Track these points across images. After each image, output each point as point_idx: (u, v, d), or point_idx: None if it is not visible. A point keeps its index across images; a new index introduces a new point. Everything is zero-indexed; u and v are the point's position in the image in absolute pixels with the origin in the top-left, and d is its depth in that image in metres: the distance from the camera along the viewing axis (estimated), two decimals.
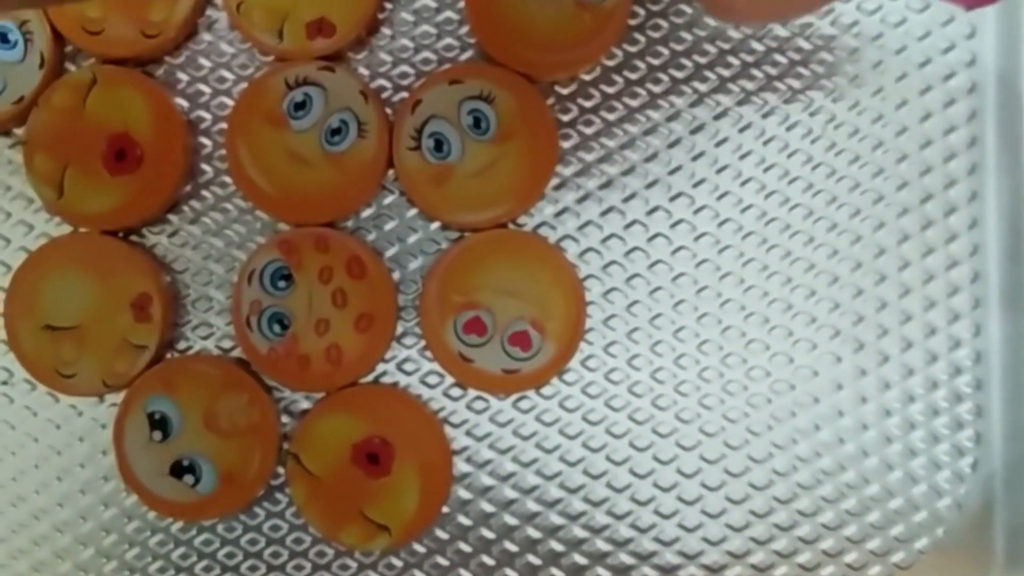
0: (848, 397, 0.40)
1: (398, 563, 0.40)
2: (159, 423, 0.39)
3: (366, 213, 0.40)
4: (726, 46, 0.40)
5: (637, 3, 0.40)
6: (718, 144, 0.40)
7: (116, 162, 0.39)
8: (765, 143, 0.40)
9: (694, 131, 0.40)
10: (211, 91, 0.40)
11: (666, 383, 0.40)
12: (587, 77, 0.40)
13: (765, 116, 0.40)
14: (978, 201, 0.39)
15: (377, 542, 0.39)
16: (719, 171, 0.40)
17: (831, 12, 0.39)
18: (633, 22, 0.40)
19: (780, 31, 0.40)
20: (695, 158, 0.40)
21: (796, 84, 0.40)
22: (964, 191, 0.39)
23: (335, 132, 0.39)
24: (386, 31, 0.40)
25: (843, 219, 0.40)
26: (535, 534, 0.40)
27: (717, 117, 0.40)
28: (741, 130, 0.40)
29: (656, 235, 0.40)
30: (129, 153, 0.39)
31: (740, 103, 0.40)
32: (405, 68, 0.40)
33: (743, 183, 0.40)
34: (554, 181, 0.40)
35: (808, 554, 0.40)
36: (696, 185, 0.40)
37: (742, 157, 0.40)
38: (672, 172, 0.40)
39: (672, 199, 0.40)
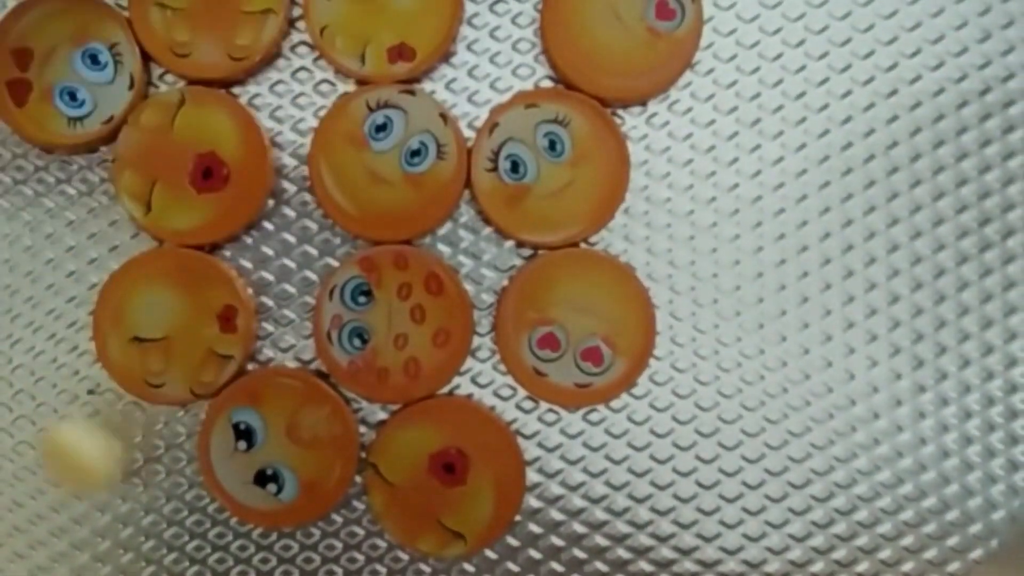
0: (907, 413, 0.41)
1: (470, 568, 0.42)
2: (244, 433, 0.40)
3: (443, 231, 0.42)
4: (793, 72, 0.41)
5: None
6: (776, 163, 0.41)
7: (203, 180, 0.40)
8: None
9: (753, 149, 0.41)
10: (295, 112, 0.42)
11: (732, 397, 0.41)
12: (656, 102, 0.41)
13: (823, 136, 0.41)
14: None
15: (452, 549, 0.40)
16: (777, 188, 0.41)
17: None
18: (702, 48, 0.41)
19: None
20: (753, 174, 0.41)
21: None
22: (1022, 215, 0.41)
23: (415, 153, 0.40)
24: (464, 54, 0.42)
25: (904, 240, 0.41)
26: (603, 542, 0.41)
27: (776, 136, 0.41)
28: (797, 149, 0.41)
29: (721, 254, 0.41)
30: (216, 172, 0.40)
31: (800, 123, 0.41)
32: (482, 90, 0.42)
33: (800, 200, 0.41)
34: (624, 202, 0.41)
35: (867, 563, 0.41)
36: (755, 200, 0.41)
37: (800, 174, 0.41)
38: (731, 189, 0.41)
39: (732, 214, 0.41)
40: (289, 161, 0.42)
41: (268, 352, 0.42)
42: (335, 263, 0.42)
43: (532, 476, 0.41)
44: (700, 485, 0.41)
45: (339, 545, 0.42)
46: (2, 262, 0.42)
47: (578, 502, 0.41)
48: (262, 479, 0.40)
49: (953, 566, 0.41)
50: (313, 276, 0.42)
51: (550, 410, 0.42)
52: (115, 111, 0.41)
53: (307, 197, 0.42)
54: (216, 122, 0.40)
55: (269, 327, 0.42)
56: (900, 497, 0.41)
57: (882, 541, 0.41)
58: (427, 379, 0.41)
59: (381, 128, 0.40)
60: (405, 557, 0.42)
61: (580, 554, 0.41)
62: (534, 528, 0.42)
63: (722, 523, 0.41)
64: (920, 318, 0.41)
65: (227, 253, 0.42)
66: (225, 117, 0.40)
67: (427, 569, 0.42)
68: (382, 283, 0.40)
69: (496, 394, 0.42)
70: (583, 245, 0.41)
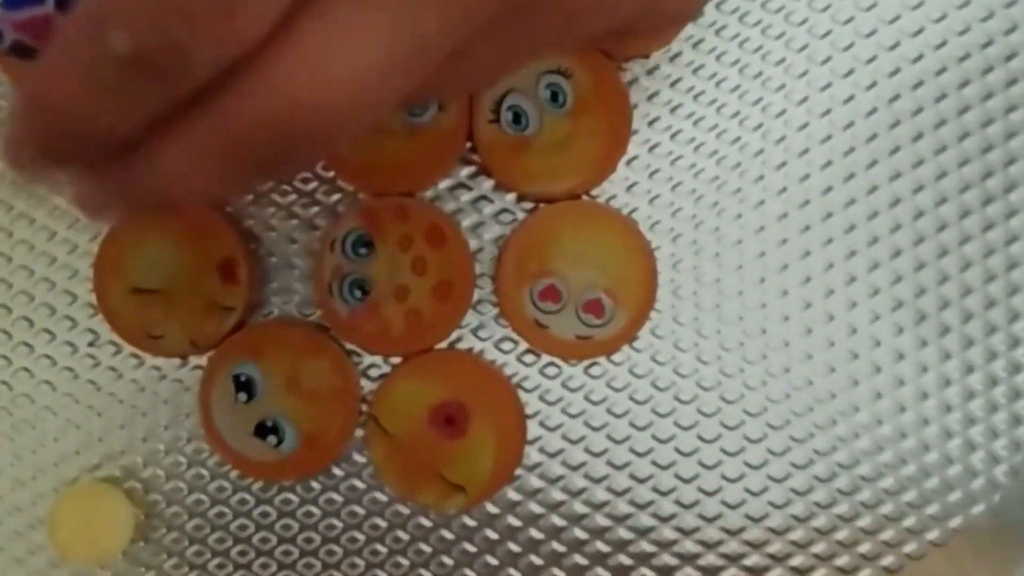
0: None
1: (471, 522, 0.42)
2: (244, 385, 0.40)
3: (445, 183, 0.41)
4: (796, 24, 0.41)
5: None
6: (778, 115, 0.41)
7: None
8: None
9: (755, 102, 0.41)
10: None
11: (733, 351, 0.41)
12: (660, 54, 0.41)
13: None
14: None
15: (453, 502, 0.40)
16: (779, 141, 0.41)
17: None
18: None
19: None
20: (756, 127, 0.41)
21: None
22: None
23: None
24: None
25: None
26: (604, 496, 0.41)
27: (778, 89, 0.41)
28: (800, 102, 0.41)
29: (724, 208, 0.41)
30: None
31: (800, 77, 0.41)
32: None
33: (803, 153, 0.41)
34: (627, 154, 0.41)
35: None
36: (757, 154, 0.41)
37: (802, 127, 0.41)
38: (733, 142, 0.41)
39: (734, 167, 0.41)
40: None
41: (269, 304, 0.42)
42: (337, 215, 0.41)
43: (533, 429, 0.41)
44: (701, 439, 0.41)
45: (339, 499, 0.42)
46: (3, 210, 0.42)
47: (579, 455, 0.41)
48: (262, 431, 0.40)
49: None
50: (314, 228, 0.42)
51: (551, 363, 0.41)
52: None
53: None
54: None
55: (270, 279, 0.42)
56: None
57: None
58: (428, 331, 0.41)
59: None
60: (406, 511, 0.42)
61: (581, 508, 0.41)
62: (535, 482, 0.41)
63: (724, 477, 0.41)
64: (922, 272, 0.41)
65: (230, 205, 0.42)
66: None
67: (427, 523, 0.42)
68: (383, 235, 0.40)
69: (497, 347, 0.42)
70: (585, 197, 0.41)
